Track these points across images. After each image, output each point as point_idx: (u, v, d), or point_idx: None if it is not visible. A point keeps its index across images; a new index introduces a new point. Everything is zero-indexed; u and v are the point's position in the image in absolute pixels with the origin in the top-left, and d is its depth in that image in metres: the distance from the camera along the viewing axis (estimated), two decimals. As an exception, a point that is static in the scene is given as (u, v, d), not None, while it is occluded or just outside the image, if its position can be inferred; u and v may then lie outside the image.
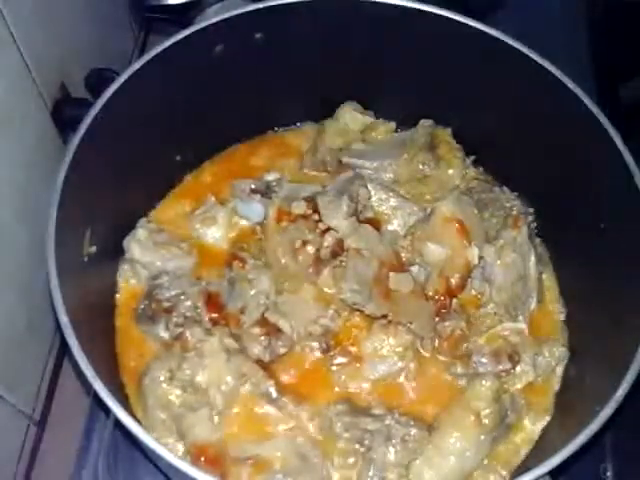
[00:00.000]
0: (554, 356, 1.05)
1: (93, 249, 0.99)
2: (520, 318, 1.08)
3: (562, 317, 1.12)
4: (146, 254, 1.09)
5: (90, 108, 0.97)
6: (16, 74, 1.03)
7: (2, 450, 1.09)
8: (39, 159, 1.11)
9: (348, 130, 1.22)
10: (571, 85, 1.01)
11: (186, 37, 1.03)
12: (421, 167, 1.17)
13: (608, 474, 1.08)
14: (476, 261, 1.09)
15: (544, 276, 1.14)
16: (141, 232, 1.10)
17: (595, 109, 1.00)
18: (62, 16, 1.17)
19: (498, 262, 1.08)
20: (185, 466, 0.80)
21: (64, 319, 0.84)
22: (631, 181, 0.95)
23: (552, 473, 0.83)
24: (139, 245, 1.09)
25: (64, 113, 1.15)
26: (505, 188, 1.19)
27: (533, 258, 1.10)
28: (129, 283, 1.11)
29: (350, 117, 1.23)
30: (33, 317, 1.12)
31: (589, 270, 1.07)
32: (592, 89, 1.17)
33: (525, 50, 1.04)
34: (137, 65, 1.01)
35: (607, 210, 1.02)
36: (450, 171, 1.18)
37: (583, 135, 1.02)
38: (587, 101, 1.00)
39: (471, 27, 1.05)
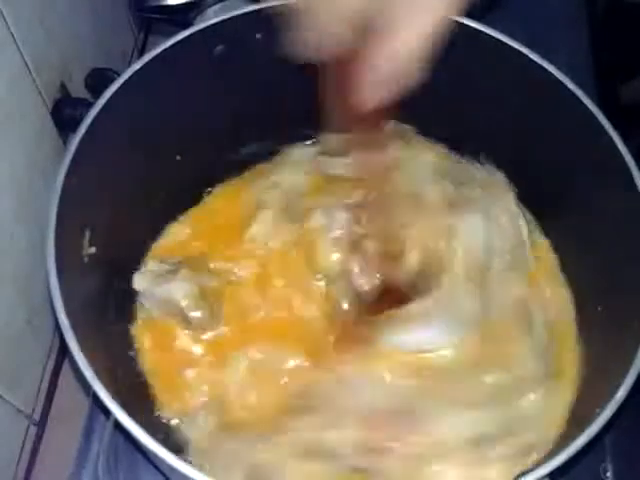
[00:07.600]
0: (554, 356, 1.05)
1: (93, 250, 0.99)
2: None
3: (562, 317, 1.12)
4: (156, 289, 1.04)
5: (90, 108, 0.97)
6: (16, 74, 1.03)
7: (2, 450, 1.09)
8: (39, 159, 1.11)
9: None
10: (571, 85, 1.01)
11: (186, 37, 1.03)
12: None
13: (608, 474, 1.08)
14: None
15: (544, 276, 1.14)
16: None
17: (595, 109, 0.99)
18: (62, 16, 1.17)
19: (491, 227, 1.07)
20: (185, 467, 0.79)
21: (64, 319, 0.84)
22: (631, 181, 0.95)
23: (552, 474, 0.82)
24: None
25: (64, 113, 1.15)
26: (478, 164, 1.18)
27: (522, 222, 1.10)
28: (129, 283, 1.11)
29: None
30: (33, 317, 1.12)
31: (588, 271, 1.07)
32: (592, 89, 1.17)
33: (525, 50, 1.04)
34: (137, 65, 1.01)
35: (607, 210, 1.02)
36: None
37: (583, 135, 1.02)
38: (587, 101, 1.00)
39: (470, 27, 1.05)
